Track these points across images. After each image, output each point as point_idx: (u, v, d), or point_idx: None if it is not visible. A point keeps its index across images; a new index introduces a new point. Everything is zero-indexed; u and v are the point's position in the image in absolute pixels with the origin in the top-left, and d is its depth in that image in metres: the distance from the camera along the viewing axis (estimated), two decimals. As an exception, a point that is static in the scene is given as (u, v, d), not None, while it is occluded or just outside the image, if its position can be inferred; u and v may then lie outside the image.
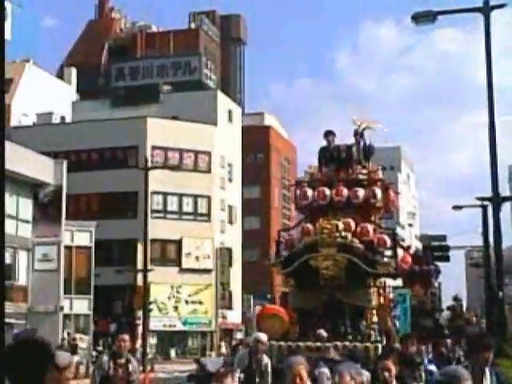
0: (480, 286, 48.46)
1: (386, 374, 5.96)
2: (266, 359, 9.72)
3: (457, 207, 32.80)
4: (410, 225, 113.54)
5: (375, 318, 13.41)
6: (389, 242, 13.96)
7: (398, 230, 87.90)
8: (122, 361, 8.57)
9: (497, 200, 14.99)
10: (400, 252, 14.43)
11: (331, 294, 13.38)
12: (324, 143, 15.06)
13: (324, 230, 13.49)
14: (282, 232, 16.12)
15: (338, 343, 12.56)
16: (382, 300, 14.04)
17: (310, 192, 14.37)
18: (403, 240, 31.69)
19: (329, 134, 14.99)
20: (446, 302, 39.94)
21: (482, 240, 31.01)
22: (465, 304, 44.41)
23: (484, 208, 29.61)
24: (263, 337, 10.02)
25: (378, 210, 14.77)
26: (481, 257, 38.37)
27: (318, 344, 12.28)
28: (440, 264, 32.85)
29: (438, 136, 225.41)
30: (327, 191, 14.11)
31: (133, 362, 8.75)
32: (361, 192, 14.10)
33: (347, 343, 12.74)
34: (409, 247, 29.42)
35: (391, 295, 15.22)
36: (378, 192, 14.21)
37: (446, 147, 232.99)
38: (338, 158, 14.82)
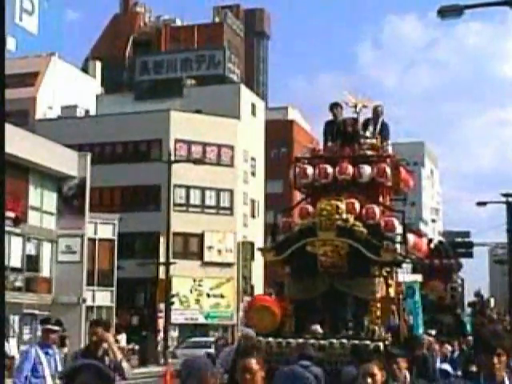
0: (504, 283, 48.07)
1: (369, 380, 5.06)
2: None
3: (481, 203, 32.60)
4: (434, 220, 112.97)
5: (380, 312, 11.92)
6: (398, 226, 12.48)
7: (421, 226, 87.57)
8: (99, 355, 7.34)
9: (522, 196, 14.80)
10: (412, 238, 12.87)
11: (331, 283, 11.96)
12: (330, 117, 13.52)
13: (323, 212, 11.92)
14: (279, 214, 14.43)
15: (334, 340, 11.20)
16: (391, 292, 12.50)
17: (310, 170, 12.95)
18: (431, 240, 31.26)
19: (335, 107, 13.56)
20: (470, 298, 39.76)
21: (507, 237, 30.81)
22: (492, 301, 43.98)
23: (509, 204, 29.42)
24: (251, 332, 9.16)
25: (386, 190, 13.29)
26: (505, 254, 38.04)
27: (313, 341, 11.03)
28: (464, 261, 32.66)
29: (461, 131, 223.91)
30: (329, 169, 12.75)
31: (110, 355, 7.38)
32: (367, 169, 12.67)
33: (344, 341, 11.26)
34: (430, 240, 29.11)
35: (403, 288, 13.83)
36: (387, 170, 12.72)
37: (470, 142, 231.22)
38: (344, 132, 13.43)
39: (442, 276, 24.08)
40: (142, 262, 43.11)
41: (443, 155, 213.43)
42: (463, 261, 32.22)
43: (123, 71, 73.62)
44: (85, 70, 64.35)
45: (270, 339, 11.42)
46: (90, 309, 37.00)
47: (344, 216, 11.90)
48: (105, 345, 7.18)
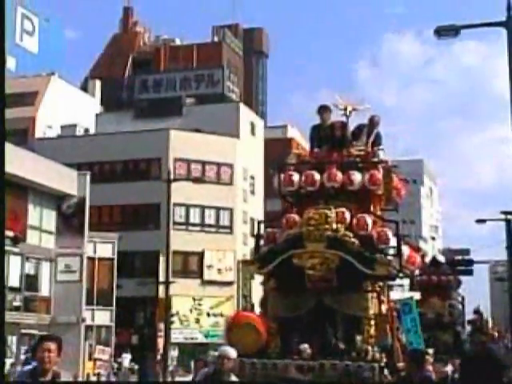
0: (504, 300, 47.99)
1: None
2: (233, 379, 7.64)
3: (480, 221, 32.56)
4: (433, 238, 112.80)
5: (374, 331, 11.00)
6: (392, 238, 11.57)
7: (421, 244, 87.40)
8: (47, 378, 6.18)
9: (521, 214, 14.77)
10: (406, 250, 11.90)
11: (319, 299, 11.08)
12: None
13: (310, 221, 11.05)
14: (263, 224, 13.30)
15: (325, 361, 10.31)
16: (383, 308, 11.58)
17: (296, 176, 12.14)
18: (424, 255, 31.18)
19: (323, 110, 12.83)
20: (471, 316, 39.62)
21: (507, 254, 30.75)
22: (490, 320, 43.77)
23: (508, 222, 29.37)
24: (230, 351, 8.01)
25: (378, 199, 12.44)
26: (505, 271, 37.95)
27: (301, 362, 10.20)
28: (464, 278, 32.56)
29: (460, 148, 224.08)
30: (317, 175, 11.93)
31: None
32: (357, 176, 11.83)
33: (337, 362, 10.33)
34: (423, 256, 28.99)
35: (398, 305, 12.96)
36: (379, 177, 11.90)
37: (469, 159, 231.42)
38: (332, 136, 12.60)
39: (441, 293, 23.96)
40: (142, 280, 42.97)
41: (442, 172, 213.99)
42: (463, 278, 32.15)
43: (122, 90, 73.77)
44: (84, 89, 64.52)
45: (255, 360, 10.58)
46: (89, 328, 36.83)
47: (334, 226, 11.06)
48: (55, 368, 6.03)
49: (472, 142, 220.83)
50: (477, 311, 36.70)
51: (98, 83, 64.92)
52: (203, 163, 49.11)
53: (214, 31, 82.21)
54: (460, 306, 27.77)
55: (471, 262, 33.96)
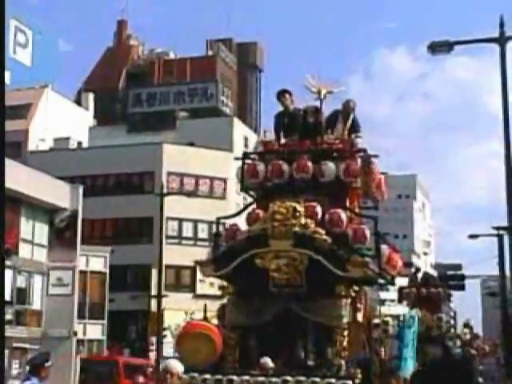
0: (496, 315, 48.05)
1: None
2: None
3: (473, 236, 32.68)
4: (426, 253, 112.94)
5: (347, 342, 9.67)
6: (369, 236, 10.23)
7: (414, 259, 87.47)
8: None
9: (513, 229, 14.82)
10: (385, 250, 10.56)
11: (286, 306, 9.76)
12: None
13: (276, 216, 9.65)
14: (222, 220, 11.76)
15: (289, 378, 8.99)
16: (359, 317, 10.37)
17: (261, 167, 10.83)
18: (418, 269, 31.23)
19: (282, 95, 11.42)
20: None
21: (498, 269, 30.85)
22: (481, 333, 43.81)
23: (500, 237, 29.46)
24: (173, 365, 7.17)
25: (355, 193, 11.10)
26: (497, 286, 38.03)
27: (261, 378, 9.04)
28: (456, 293, 32.58)
29: (452, 162, 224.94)
30: (285, 166, 10.59)
31: None
32: (331, 166, 10.48)
33: (302, 378, 8.99)
34: (418, 270, 28.98)
35: (401, 319, 11.73)
36: (356, 167, 10.61)
37: (461, 174, 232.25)
38: (304, 123, 11.27)
39: (430, 306, 23.88)
40: (134, 294, 42.88)
41: (435, 187, 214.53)
42: (456, 294, 32.15)
43: (116, 103, 73.86)
44: (78, 101, 64.53)
45: (207, 376, 9.34)
46: (80, 342, 36.68)
47: (303, 221, 9.70)
48: None
49: (465, 157, 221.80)
50: (466, 325, 36.75)
51: (91, 96, 64.93)
52: (196, 177, 49.13)
53: (208, 45, 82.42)
54: (451, 321, 27.76)
55: (463, 277, 34.05)
